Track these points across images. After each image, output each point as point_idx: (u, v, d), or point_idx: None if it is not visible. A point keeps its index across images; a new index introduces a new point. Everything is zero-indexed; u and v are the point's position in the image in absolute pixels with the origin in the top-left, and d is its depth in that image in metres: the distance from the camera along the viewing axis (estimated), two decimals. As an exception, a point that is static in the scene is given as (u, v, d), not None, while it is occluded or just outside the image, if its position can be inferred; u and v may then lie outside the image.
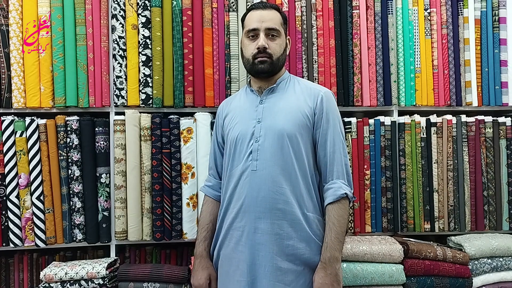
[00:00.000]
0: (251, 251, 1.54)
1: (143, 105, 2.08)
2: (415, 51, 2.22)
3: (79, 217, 2.02)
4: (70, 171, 2.01)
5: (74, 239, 2.03)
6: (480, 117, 2.21)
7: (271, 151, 1.55)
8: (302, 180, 1.57)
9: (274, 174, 1.54)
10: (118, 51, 2.06)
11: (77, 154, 2.01)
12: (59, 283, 1.85)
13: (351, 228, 2.12)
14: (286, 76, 1.71)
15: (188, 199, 2.04)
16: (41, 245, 2.00)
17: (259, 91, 1.68)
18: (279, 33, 1.64)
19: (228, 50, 2.12)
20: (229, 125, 1.68)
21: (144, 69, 2.06)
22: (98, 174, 2.04)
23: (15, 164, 1.98)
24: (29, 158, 1.98)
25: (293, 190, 1.55)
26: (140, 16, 2.06)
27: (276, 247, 1.52)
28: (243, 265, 1.54)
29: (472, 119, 2.20)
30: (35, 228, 1.99)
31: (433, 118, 2.19)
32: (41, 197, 2.00)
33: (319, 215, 1.60)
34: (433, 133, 2.18)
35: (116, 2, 2.06)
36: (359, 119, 2.16)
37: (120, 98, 2.06)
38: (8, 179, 1.98)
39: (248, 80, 1.76)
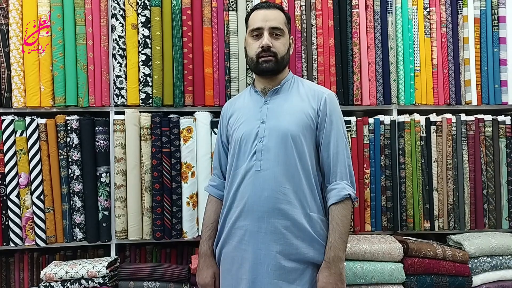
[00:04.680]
0: (254, 250, 1.54)
1: (143, 105, 2.08)
2: (414, 50, 2.22)
3: (79, 216, 2.03)
4: (70, 171, 2.01)
5: (75, 238, 2.03)
6: (479, 116, 2.22)
7: (274, 152, 1.56)
8: (305, 181, 1.57)
9: (278, 175, 1.55)
10: (118, 51, 2.07)
11: (77, 154, 2.01)
12: (59, 282, 1.85)
13: (351, 227, 2.12)
14: (290, 77, 1.72)
15: (188, 198, 2.04)
16: (42, 244, 2.01)
17: (263, 92, 1.69)
18: (283, 32, 1.65)
19: (227, 49, 2.12)
20: (234, 126, 1.69)
21: (144, 68, 2.07)
22: (98, 174, 2.05)
23: (15, 164, 1.99)
24: (29, 157, 1.99)
25: (296, 191, 1.56)
26: (139, 15, 2.06)
27: (279, 246, 1.53)
28: (245, 263, 1.55)
29: (471, 118, 2.20)
30: (35, 227, 2.00)
31: (433, 117, 2.19)
32: (41, 197, 2.00)
33: (322, 215, 1.61)
34: (433, 132, 2.18)
35: (115, 2, 2.06)
36: (358, 118, 2.16)
37: (120, 97, 2.07)
38: (8, 179, 1.98)
39: (252, 80, 1.77)
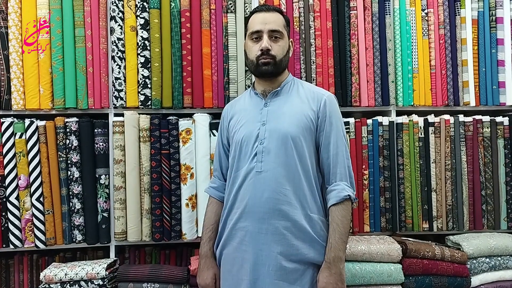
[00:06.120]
0: (255, 251, 1.55)
1: (142, 106, 2.08)
2: (412, 51, 2.23)
3: (79, 218, 2.03)
4: (69, 173, 2.02)
5: (74, 240, 2.04)
6: (477, 117, 2.22)
7: (275, 153, 1.57)
8: (305, 182, 1.58)
9: (278, 176, 1.56)
10: (117, 53, 2.07)
11: (76, 156, 2.02)
12: (59, 284, 1.85)
13: (350, 228, 2.13)
14: (290, 79, 1.73)
15: (187, 199, 2.04)
16: (41, 246, 2.01)
17: (264, 94, 1.69)
18: (282, 35, 1.66)
19: (226, 51, 2.13)
20: (234, 128, 1.70)
21: (143, 70, 2.07)
22: (97, 175, 2.05)
23: (15, 166, 1.99)
24: (29, 159, 1.99)
25: (297, 192, 1.57)
26: (138, 17, 2.07)
27: (280, 247, 1.53)
28: (246, 264, 1.56)
29: (469, 118, 2.21)
30: (35, 229, 2.00)
31: (431, 118, 2.19)
32: (41, 199, 2.00)
33: (323, 216, 1.62)
34: (431, 133, 2.18)
35: (114, 4, 2.07)
36: (357, 120, 2.17)
37: (119, 99, 2.07)
38: (8, 181, 1.98)
39: (252, 83, 1.78)
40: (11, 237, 2.00)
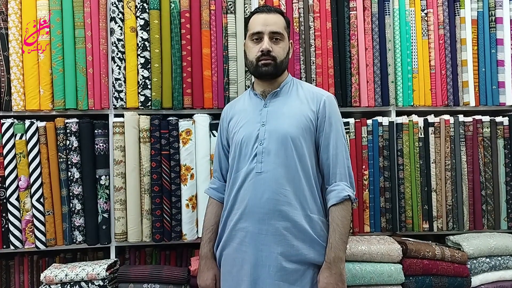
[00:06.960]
0: (255, 252, 1.55)
1: (142, 107, 2.09)
2: (412, 52, 2.23)
3: (79, 219, 2.03)
4: (69, 173, 2.02)
5: (74, 241, 2.04)
6: (477, 117, 2.22)
7: (275, 154, 1.57)
8: (305, 182, 1.58)
9: (278, 176, 1.56)
10: (117, 54, 2.07)
11: (76, 156, 2.02)
12: (59, 284, 1.85)
13: (350, 228, 2.13)
14: (289, 79, 1.73)
15: (187, 200, 2.05)
16: (41, 247, 2.01)
17: (263, 94, 1.70)
18: (283, 37, 1.66)
19: (226, 52, 2.13)
20: (234, 129, 1.70)
21: (143, 71, 2.07)
22: (97, 176, 2.05)
23: (15, 167, 1.99)
24: (29, 160, 1.99)
25: (297, 192, 1.57)
26: (138, 18, 2.07)
27: (280, 248, 1.54)
28: (246, 265, 1.56)
29: (469, 119, 2.21)
30: (35, 230, 2.00)
31: (431, 118, 2.19)
32: (41, 199, 2.01)
33: (323, 216, 1.62)
34: (431, 133, 2.19)
35: (114, 5, 2.07)
36: (357, 120, 2.17)
37: (119, 100, 2.07)
38: (8, 182, 1.98)
39: (252, 83, 1.78)
40: (12, 238, 2.00)
